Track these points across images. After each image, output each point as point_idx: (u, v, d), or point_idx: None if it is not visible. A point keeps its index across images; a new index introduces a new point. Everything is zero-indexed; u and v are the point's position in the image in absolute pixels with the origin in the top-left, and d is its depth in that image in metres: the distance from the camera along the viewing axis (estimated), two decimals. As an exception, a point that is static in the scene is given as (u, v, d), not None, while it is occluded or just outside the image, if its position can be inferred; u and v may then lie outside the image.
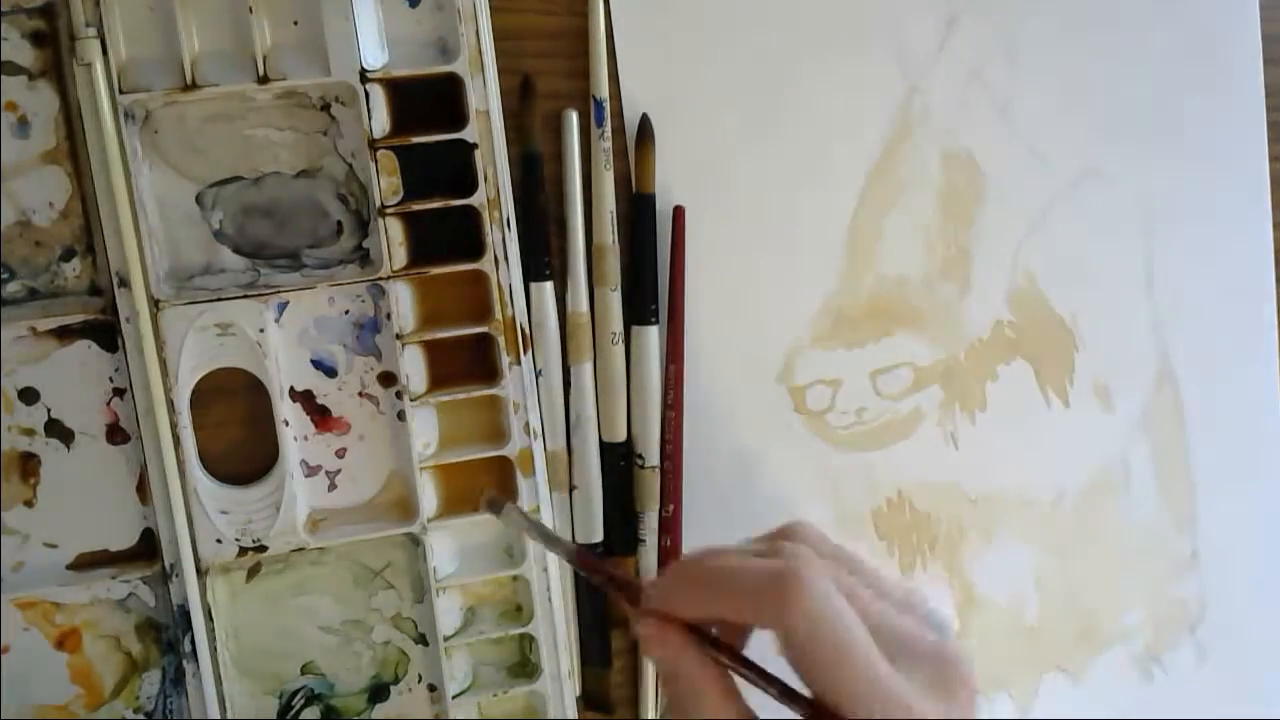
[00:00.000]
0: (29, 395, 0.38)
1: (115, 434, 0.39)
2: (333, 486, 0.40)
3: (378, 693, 0.41)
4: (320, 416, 0.40)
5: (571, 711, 0.42)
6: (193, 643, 0.39)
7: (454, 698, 0.41)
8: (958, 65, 0.44)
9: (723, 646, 0.29)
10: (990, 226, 0.45)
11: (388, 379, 0.40)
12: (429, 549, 0.40)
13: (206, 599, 0.39)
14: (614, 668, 0.43)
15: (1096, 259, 0.46)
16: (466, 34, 0.38)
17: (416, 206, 0.39)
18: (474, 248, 0.39)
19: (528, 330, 0.40)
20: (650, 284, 0.41)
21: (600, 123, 0.41)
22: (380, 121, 0.38)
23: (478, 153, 0.39)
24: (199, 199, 0.39)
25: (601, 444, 0.42)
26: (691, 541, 0.43)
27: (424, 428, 0.40)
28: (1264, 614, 0.49)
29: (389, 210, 0.38)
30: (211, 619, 0.39)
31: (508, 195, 0.40)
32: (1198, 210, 0.47)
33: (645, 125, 0.41)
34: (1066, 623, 0.47)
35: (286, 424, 0.39)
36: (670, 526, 0.43)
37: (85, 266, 0.38)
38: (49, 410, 0.38)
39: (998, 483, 0.46)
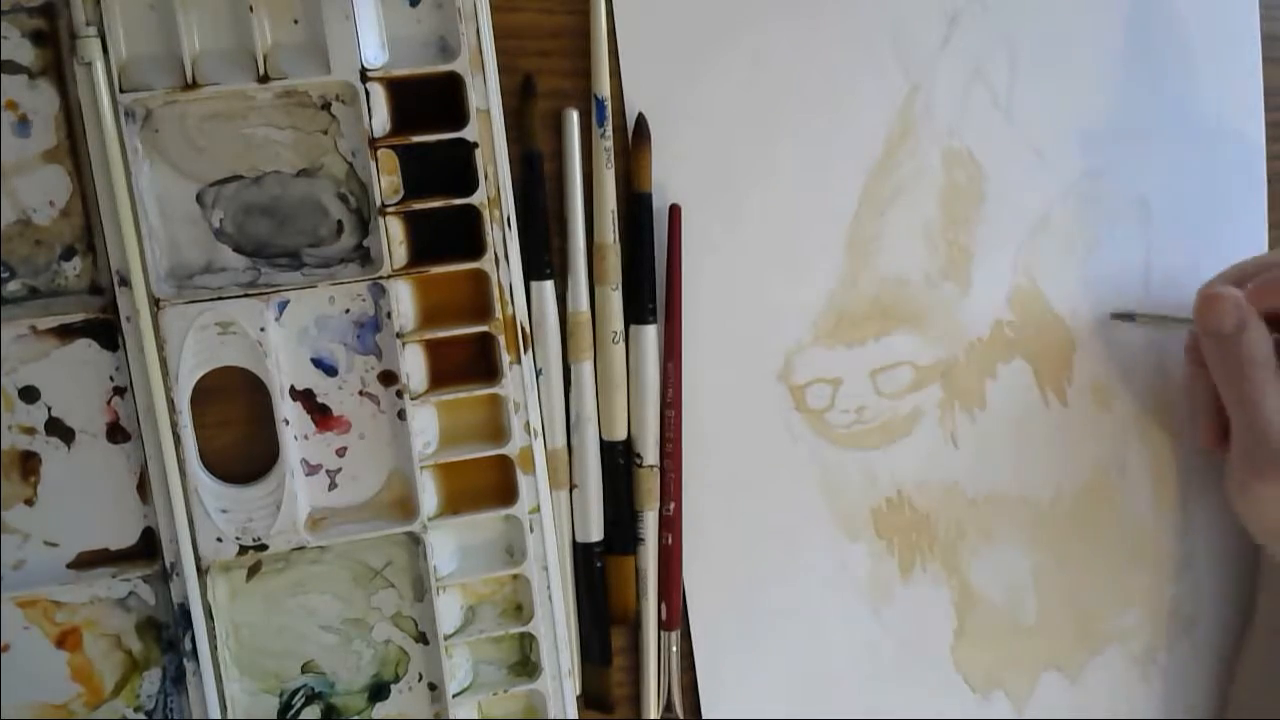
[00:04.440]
0: (29, 394, 0.38)
1: (116, 433, 0.39)
2: (333, 485, 0.40)
3: (378, 691, 0.42)
4: (321, 415, 0.40)
5: (572, 710, 0.42)
6: (193, 641, 0.39)
7: (454, 696, 0.41)
8: (959, 64, 0.44)
9: None
10: (991, 226, 0.45)
11: (388, 378, 0.40)
12: (429, 548, 0.40)
13: (207, 598, 0.39)
14: (615, 666, 0.44)
15: (1096, 259, 0.46)
16: (467, 33, 0.38)
17: (417, 205, 0.39)
18: (474, 247, 0.39)
19: (528, 329, 0.40)
20: (648, 283, 0.41)
21: (601, 122, 0.40)
22: (381, 120, 0.38)
23: (478, 152, 0.39)
24: (199, 198, 0.39)
25: (602, 443, 0.42)
26: (691, 540, 0.43)
27: (424, 426, 0.40)
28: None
29: (389, 209, 0.38)
30: (212, 618, 0.39)
31: (508, 194, 0.40)
32: (1197, 210, 0.47)
33: (641, 124, 0.41)
34: (1064, 622, 0.47)
35: (287, 423, 0.39)
36: (670, 525, 0.43)
37: (86, 265, 0.38)
38: (49, 409, 0.38)
39: (997, 482, 0.46)
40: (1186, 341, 0.45)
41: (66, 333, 0.38)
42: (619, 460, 0.42)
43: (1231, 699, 0.47)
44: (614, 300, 0.41)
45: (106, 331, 0.38)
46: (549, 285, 0.41)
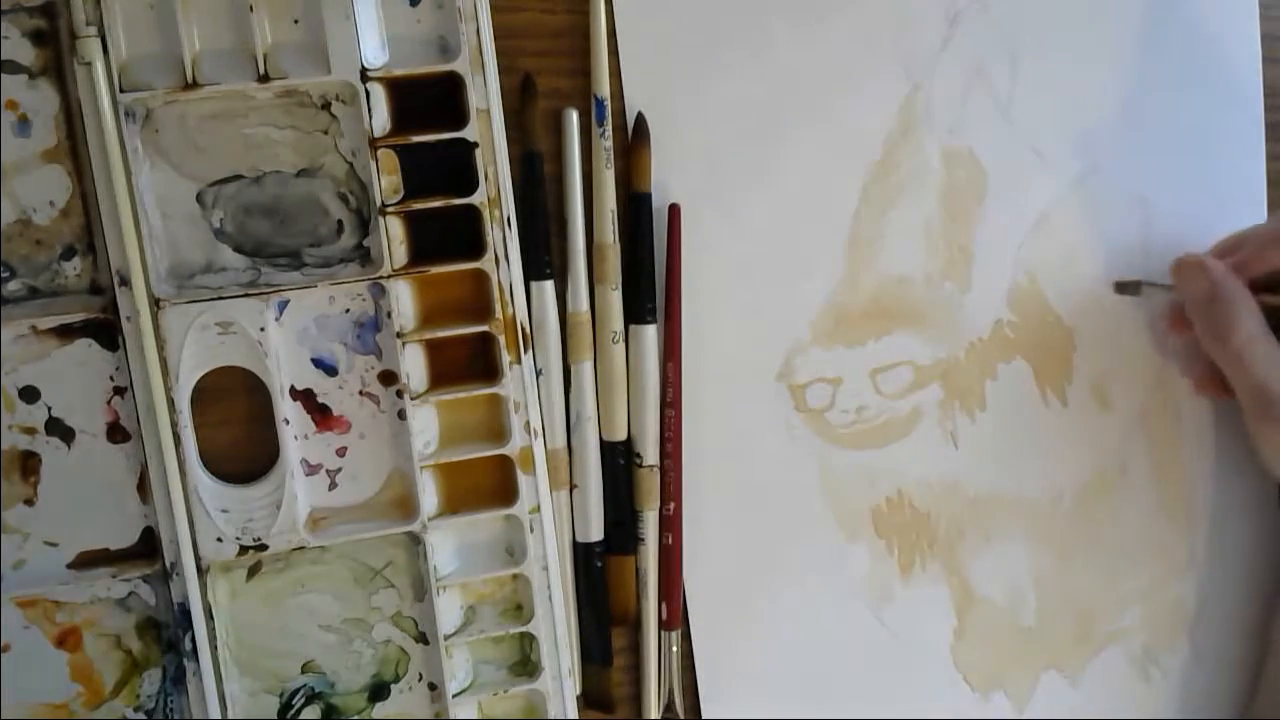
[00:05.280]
0: (29, 394, 0.38)
1: (116, 433, 0.39)
2: (333, 485, 0.40)
3: (378, 691, 0.42)
4: (321, 415, 0.40)
5: (572, 710, 0.42)
6: (193, 641, 0.39)
7: (454, 696, 0.41)
8: (960, 63, 0.44)
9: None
10: (991, 225, 0.45)
11: (388, 378, 0.40)
12: (429, 548, 0.40)
13: (207, 598, 0.39)
14: (615, 666, 0.44)
15: (1096, 258, 0.46)
16: (467, 32, 0.38)
17: (417, 205, 0.39)
18: (475, 247, 0.39)
19: (528, 329, 0.40)
20: (647, 283, 0.41)
21: (601, 121, 0.40)
22: (381, 120, 0.38)
23: (478, 151, 0.39)
24: (199, 198, 0.39)
25: (602, 443, 0.42)
26: (691, 540, 0.43)
27: (424, 426, 0.40)
28: (1261, 615, 0.49)
29: (389, 209, 0.38)
30: (212, 618, 0.39)
31: (508, 194, 0.40)
32: (1197, 209, 0.47)
33: (641, 124, 0.41)
34: (1064, 623, 0.47)
35: (287, 423, 0.39)
36: (670, 525, 0.43)
37: (86, 265, 0.38)
38: (49, 409, 0.38)
39: (997, 482, 0.46)
40: (1169, 307, 0.46)
41: (66, 333, 0.38)
42: (619, 460, 0.42)
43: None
44: (614, 300, 0.41)
45: (106, 331, 0.38)
46: (549, 285, 0.41)
